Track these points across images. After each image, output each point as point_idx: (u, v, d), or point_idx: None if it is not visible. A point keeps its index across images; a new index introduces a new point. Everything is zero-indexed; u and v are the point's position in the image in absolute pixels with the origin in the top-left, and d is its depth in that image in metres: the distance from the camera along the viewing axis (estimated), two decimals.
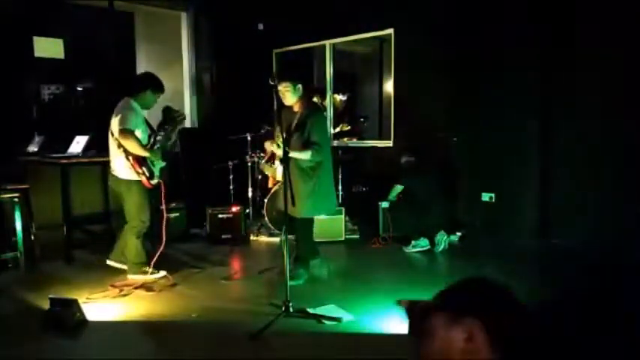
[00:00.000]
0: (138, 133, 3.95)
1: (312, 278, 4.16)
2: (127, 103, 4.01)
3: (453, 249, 5.10)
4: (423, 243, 4.94)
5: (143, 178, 3.98)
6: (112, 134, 3.99)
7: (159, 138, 4.17)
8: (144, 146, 3.95)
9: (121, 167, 4.00)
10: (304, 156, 3.78)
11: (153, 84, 4.12)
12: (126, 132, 3.86)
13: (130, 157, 3.93)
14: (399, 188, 5.27)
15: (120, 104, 4.03)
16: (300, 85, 3.86)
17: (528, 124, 5.14)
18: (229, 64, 7.15)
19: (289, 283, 3.35)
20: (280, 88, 3.79)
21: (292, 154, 3.72)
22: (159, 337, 3.14)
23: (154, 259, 4.16)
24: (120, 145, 3.93)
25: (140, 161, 3.96)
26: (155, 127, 4.21)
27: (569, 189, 4.92)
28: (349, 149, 6.59)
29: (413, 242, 4.96)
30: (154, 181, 4.07)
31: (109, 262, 4.25)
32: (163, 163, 4.14)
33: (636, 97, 4.41)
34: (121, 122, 3.88)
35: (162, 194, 4.16)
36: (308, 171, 3.90)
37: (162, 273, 4.19)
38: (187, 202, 5.66)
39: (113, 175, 4.09)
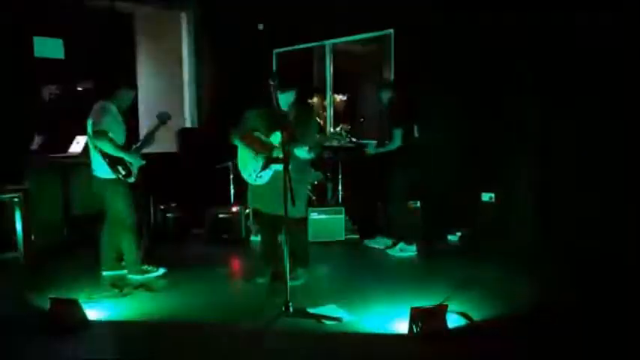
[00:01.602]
0: (112, 134, 3.97)
1: (312, 278, 4.17)
2: (101, 105, 4.05)
3: (452, 249, 5.11)
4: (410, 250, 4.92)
5: (120, 177, 4.01)
6: (89, 136, 4.03)
7: (141, 139, 4.25)
8: (119, 147, 3.98)
9: (100, 167, 4.03)
10: (309, 156, 3.80)
11: (122, 81, 4.19)
12: (99, 133, 3.91)
13: (107, 158, 3.96)
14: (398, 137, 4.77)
15: (94, 107, 4.07)
16: None
17: (528, 123, 5.13)
18: (229, 64, 7.16)
19: (289, 283, 3.36)
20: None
21: (302, 154, 3.73)
22: (159, 337, 3.14)
23: (141, 257, 4.22)
24: (96, 146, 3.97)
25: (116, 160, 3.99)
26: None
27: (569, 189, 4.92)
28: (349, 149, 6.58)
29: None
30: (131, 180, 4.09)
31: (104, 273, 4.25)
32: (142, 162, 4.15)
33: (636, 97, 4.41)
34: (95, 124, 3.94)
35: (140, 193, 4.20)
36: (306, 169, 3.99)
37: (162, 270, 4.21)
38: (187, 202, 5.66)
39: (94, 177, 4.10)
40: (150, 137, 4.24)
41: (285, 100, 3.83)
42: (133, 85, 4.25)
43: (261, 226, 4.26)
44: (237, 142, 3.99)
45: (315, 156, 3.87)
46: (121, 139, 4.06)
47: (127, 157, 4.02)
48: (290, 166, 3.71)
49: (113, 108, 4.07)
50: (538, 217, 5.17)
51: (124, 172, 4.01)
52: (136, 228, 4.19)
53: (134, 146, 4.16)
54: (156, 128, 4.28)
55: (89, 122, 4.00)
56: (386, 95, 4.90)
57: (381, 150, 4.82)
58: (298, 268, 4.03)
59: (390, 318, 3.22)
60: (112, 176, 4.01)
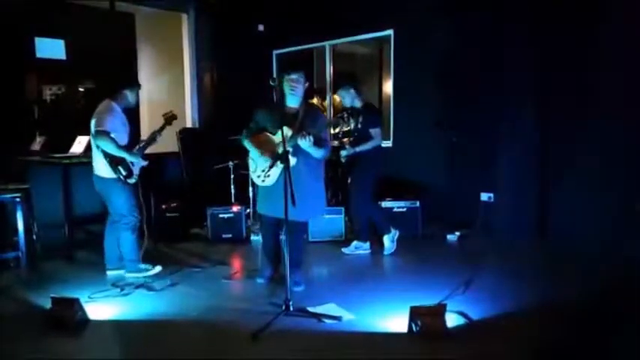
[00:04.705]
0: (116, 134, 3.99)
1: (312, 278, 4.20)
2: (105, 105, 4.08)
3: (452, 249, 5.12)
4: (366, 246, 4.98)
5: (120, 177, 4.03)
6: (92, 135, 4.06)
7: (143, 139, 4.27)
8: (121, 147, 4.00)
9: (102, 166, 4.06)
10: (321, 154, 3.71)
11: (127, 83, 4.21)
12: (102, 133, 3.93)
13: (108, 157, 3.99)
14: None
15: (99, 106, 4.10)
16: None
17: (528, 123, 5.15)
18: (230, 65, 7.19)
19: (293, 289, 3.37)
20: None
21: (312, 151, 3.62)
22: (159, 337, 3.15)
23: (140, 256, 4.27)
24: (98, 145, 4.00)
25: (117, 161, 4.01)
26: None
27: (568, 188, 4.93)
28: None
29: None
30: (132, 181, 4.11)
31: (109, 272, 4.28)
32: (144, 163, 4.17)
33: (636, 97, 4.43)
34: (98, 124, 3.96)
35: (139, 192, 4.23)
36: (319, 169, 3.85)
37: (159, 268, 4.26)
38: (188, 202, 5.68)
39: (96, 175, 4.13)
40: (154, 137, 4.25)
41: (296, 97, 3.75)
42: (138, 85, 4.27)
43: (266, 226, 4.10)
44: (246, 144, 3.94)
45: (325, 153, 3.74)
46: (124, 138, 4.08)
47: (128, 157, 4.04)
48: (302, 163, 3.65)
49: (117, 108, 4.10)
50: (537, 217, 5.19)
51: (124, 173, 4.03)
52: (137, 228, 4.22)
53: (137, 146, 4.18)
54: (161, 128, 4.29)
55: (92, 121, 4.02)
56: (353, 96, 4.77)
57: (362, 149, 4.74)
58: (297, 272, 3.92)
59: (389, 317, 3.24)
60: (113, 176, 4.04)
